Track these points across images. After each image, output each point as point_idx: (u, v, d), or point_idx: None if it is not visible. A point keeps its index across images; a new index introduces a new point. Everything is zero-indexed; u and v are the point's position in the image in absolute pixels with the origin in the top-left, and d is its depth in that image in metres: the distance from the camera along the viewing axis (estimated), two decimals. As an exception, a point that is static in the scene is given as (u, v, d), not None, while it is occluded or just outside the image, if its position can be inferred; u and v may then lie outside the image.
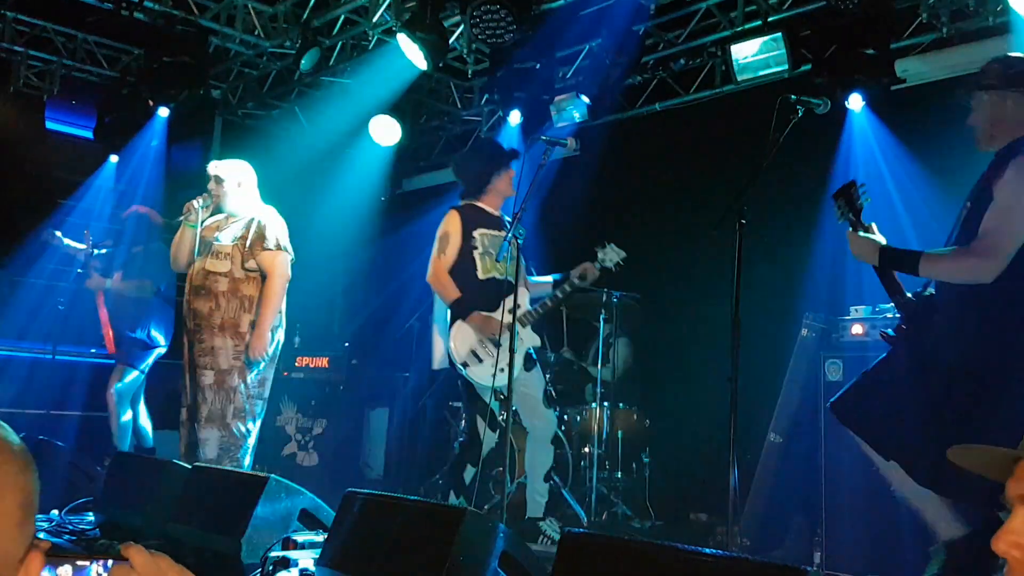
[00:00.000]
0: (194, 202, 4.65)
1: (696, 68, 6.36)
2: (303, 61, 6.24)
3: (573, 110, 6.32)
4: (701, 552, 2.07)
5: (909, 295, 3.07)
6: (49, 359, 6.32)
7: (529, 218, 3.97)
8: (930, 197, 4.82)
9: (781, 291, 5.26)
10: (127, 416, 5.86)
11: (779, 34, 5.36)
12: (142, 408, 6.01)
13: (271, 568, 3.08)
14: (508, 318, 4.24)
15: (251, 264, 4.61)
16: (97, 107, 7.30)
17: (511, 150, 4.64)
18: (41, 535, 1.09)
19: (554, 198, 6.03)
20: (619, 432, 5.61)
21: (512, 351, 3.87)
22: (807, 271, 5.28)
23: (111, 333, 5.92)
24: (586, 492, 5.24)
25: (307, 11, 6.33)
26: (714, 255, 4.43)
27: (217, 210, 4.77)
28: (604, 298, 5.46)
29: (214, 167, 4.78)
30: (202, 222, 4.67)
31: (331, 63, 6.82)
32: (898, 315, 3.10)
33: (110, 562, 1.09)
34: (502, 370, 4.15)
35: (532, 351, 4.47)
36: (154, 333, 5.87)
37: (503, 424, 4.30)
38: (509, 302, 4.31)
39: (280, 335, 4.72)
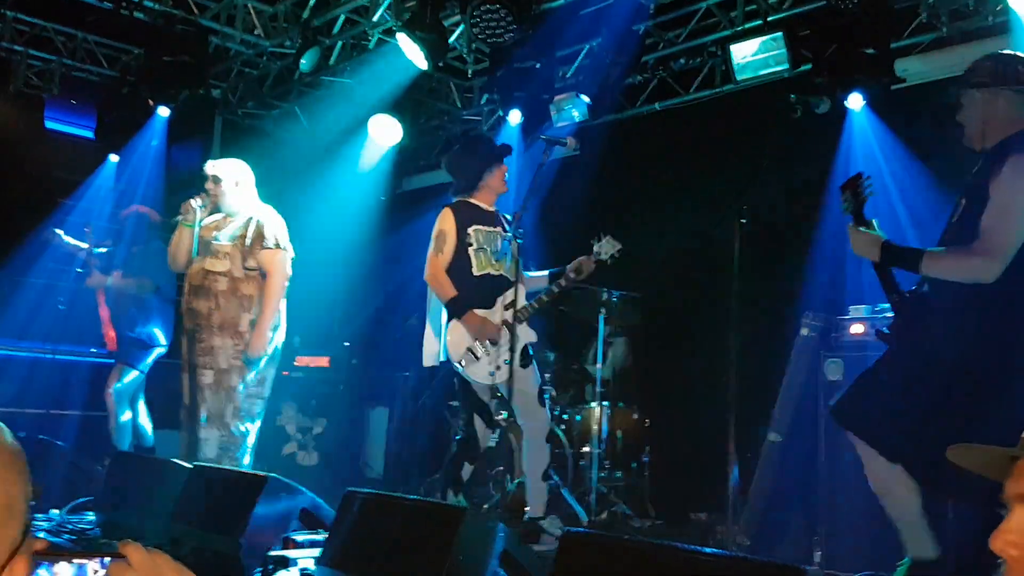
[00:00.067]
0: (192, 202, 4.65)
1: (696, 68, 6.35)
2: (303, 61, 6.24)
3: (573, 109, 6.31)
4: (701, 551, 2.08)
5: (905, 293, 3.06)
6: (49, 358, 6.32)
7: (529, 217, 3.97)
8: (930, 196, 4.82)
9: (781, 291, 5.26)
10: (126, 416, 5.86)
11: (779, 34, 5.36)
12: (142, 407, 6.01)
13: (271, 567, 3.09)
14: (505, 316, 4.24)
15: (251, 263, 4.61)
16: (97, 107, 7.30)
17: (503, 146, 4.63)
18: (41, 535, 1.09)
19: (554, 197, 6.03)
20: (619, 431, 5.61)
21: (512, 349, 3.87)
22: (807, 271, 5.28)
23: (112, 332, 5.92)
24: (586, 491, 5.24)
25: (307, 11, 6.33)
26: (714, 255, 4.44)
27: (215, 210, 4.76)
28: (604, 297, 5.46)
29: (211, 167, 4.78)
30: (200, 222, 4.67)
31: (331, 63, 6.82)
32: (893, 313, 3.10)
33: (107, 559, 1.09)
34: (499, 368, 4.15)
35: (529, 348, 4.47)
36: (154, 332, 5.87)
37: (500, 422, 4.30)
38: (505, 299, 4.31)
39: (280, 334, 4.72)
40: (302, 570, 3.11)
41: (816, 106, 5.21)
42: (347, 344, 7.72)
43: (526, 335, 4.42)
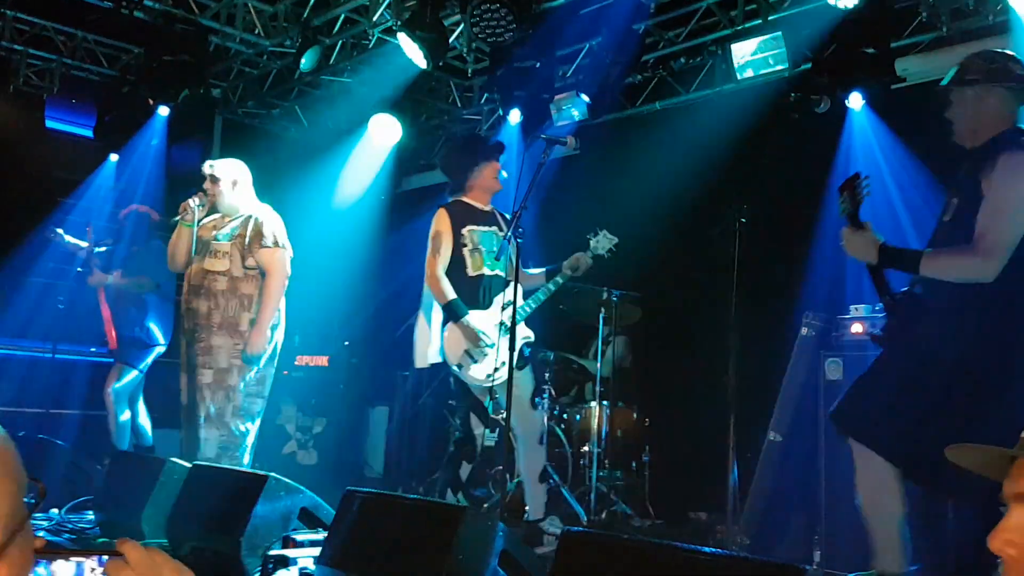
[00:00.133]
0: (190, 201, 4.64)
1: (696, 67, 6.36)
2: (303, 60, 6.23)
3: (573, 109, 6.32)
4: (700, 551, 2.07)
5: (897, 294, 3.06)
6: (49, 358, 6.32)
7: (529, 217, 3.95)
8: (930, 196, 4.81)
9: (781, 290, 5.26)
10: (125, 415, 5.86)
11: (779, 33, 5.36)
12: (141, 407, 6.01)
13: (271, 567, 3.09)
14: (502, 316, 4.23)
15: (250, 262, 4.61)
16: (97, 106, 7.30)
17: (495, 143, 4.61)
18: (40, 534, 1.08)
19: (554, 197, 6.03)
20: (618, 431, 5.61)
21: (512, 349, 3.86)
22: (807, 270, 5.28)
23: (114, 332, 5.92)
24: (586, 491, 5.24)
25: (307, 10, 6.33)
26: (714, 255, 4.43)
27: (213, 209, 4.76)
28: (604, 297, 5.46)
29: (209, 166, 4.77)
30: (198, 221, 4.67)
31: (331, 62, 6.82)
32: (887, 315, 3.09)
33: (104, 557, 1.09)
34: (496, 369, 4.14)
35: (526, 350, 4.45)
36: (153, 331, 5.87)
37: (499, 421, 4.29)
38: (500, 300, 4.30)
39: (280, 333, 4.72)
40: (302, 569, 3.11)
41: (816, 105, 5.21)
42: (347, 343, 7.72)
43: (523, 333, 4.41)
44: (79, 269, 6.19)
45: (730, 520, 4.01)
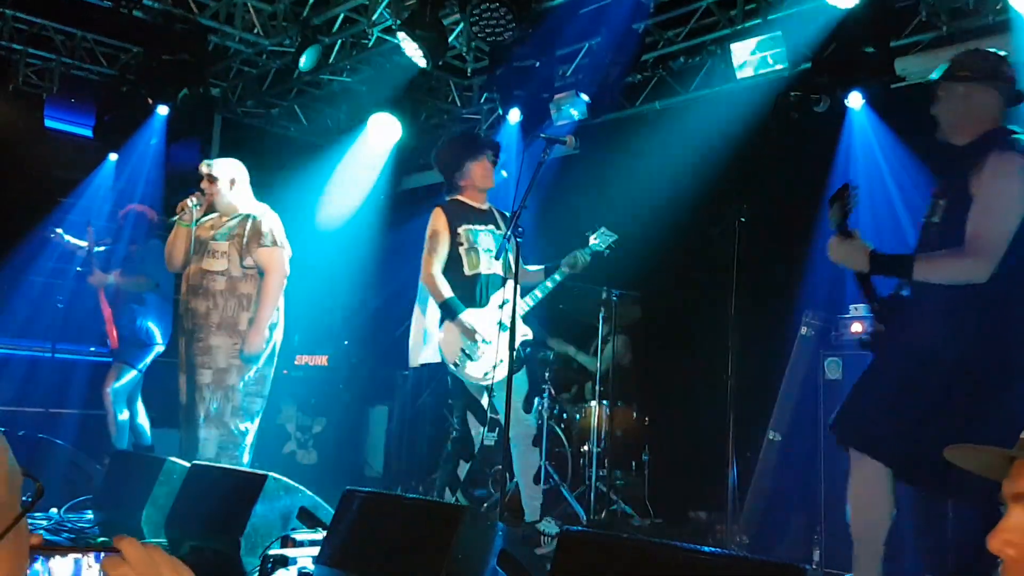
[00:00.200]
0: (187, 201, 4.63)
1: (696, 66, 6.36)
2: (303, 59, 6.23)
3: (572, 108, 6.31)
4: (700, 550, 2.07)
5: (884, 299, 3.05)
6: (48, 357, 6.32)
7: (528, 216, 3.95)
8: (929, 195, 4.81)
9: (781, 290, 5.26)
10: (124, 415, 5.86)
11: (778, 32, 5.35)
12: (140, 406, 6.01)
13: (270, 566, 3.08)
14: (499, 315, 4.23)
15: (248, 261, 4.60)
16: (96, 105, 7.30)
17: (486, 140, 4.59)
18: (40, 533, 1.08)
19: (554, 196, 6.03)
20: (618, 430, 5.61)
21: (512, 348, 3.86)
22: (807, 270, 5.28)
23: (115, 331, 5.92)
24: (585, 490, 5.25)
25: (306, 9, 6.33)
26: (714, 254, 4.43)
27: (211, 209, 4.75)
28: (603, 296, 5.46)
29: (206, 165, 4.76)
30: (196, 221, 4.66)
31: (330, 61, 6.81)
32: (876, 321, 3.08)
33: (101, 554, 1.08)
34: (494, 367, 4.14)
35: (522, 349, 4.44)
36: (152, 330, 5.87)
37: (496, 420, 4.29)
38: (498, 298, 4.30)
39: (279, 333, 4.72)
40: (301, 569, 3.11)
41: (816, 105, 5.21)
42: (347, 343, 7.72)
43: (522, 331, 4.40)
44: (79, 269, 6.19)
45: (730, 520, 4.01)
